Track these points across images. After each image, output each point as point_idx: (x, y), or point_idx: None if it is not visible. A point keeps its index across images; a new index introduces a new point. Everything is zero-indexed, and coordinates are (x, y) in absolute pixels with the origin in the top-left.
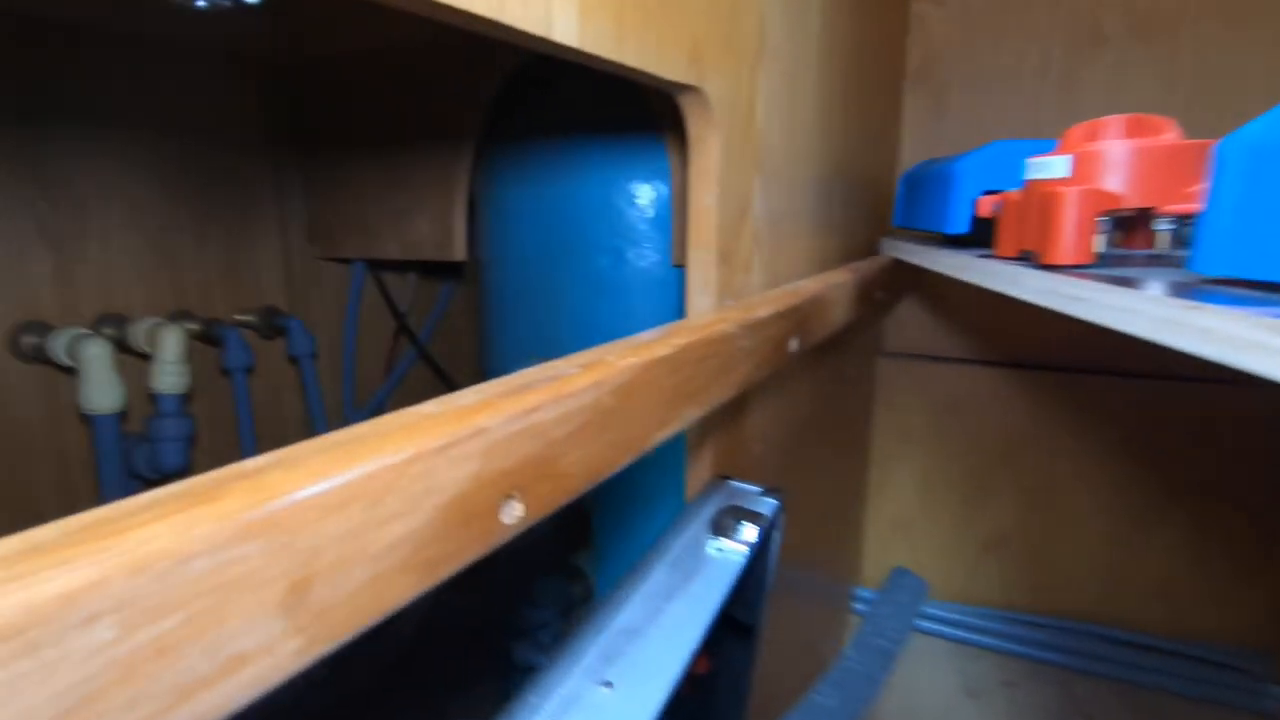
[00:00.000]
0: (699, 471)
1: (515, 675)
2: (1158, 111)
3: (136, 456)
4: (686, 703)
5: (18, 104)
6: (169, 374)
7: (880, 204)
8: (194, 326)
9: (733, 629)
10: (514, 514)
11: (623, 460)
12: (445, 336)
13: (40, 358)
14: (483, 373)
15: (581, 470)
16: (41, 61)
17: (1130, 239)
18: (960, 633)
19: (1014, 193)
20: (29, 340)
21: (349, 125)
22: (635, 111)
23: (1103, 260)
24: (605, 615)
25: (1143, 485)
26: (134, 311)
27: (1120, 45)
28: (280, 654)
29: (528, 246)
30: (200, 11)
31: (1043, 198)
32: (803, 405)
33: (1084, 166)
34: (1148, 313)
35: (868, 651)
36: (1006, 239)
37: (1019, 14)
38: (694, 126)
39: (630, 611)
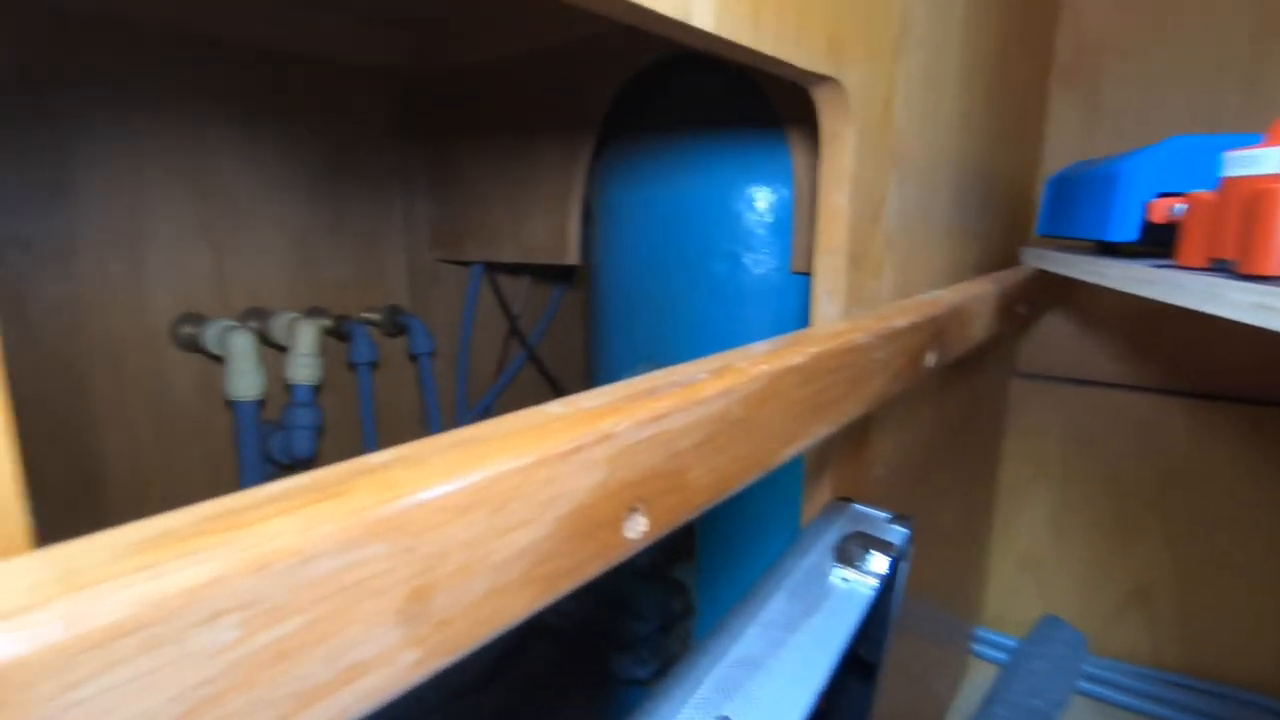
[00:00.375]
0: (818, 492)
1: (613, 686)
2: None
3: (272, 442)
4: None
5: (183, 114)
6: (304, 366)
7: (1021, 210)
8: (327, 322)
9: (853, 667)
10: (638, 528)
11: (749, 476)
12: (553, 339)
13: (195, 346)
14: (591, 376)
15: (708, 485)
16: (201, 76)
17: None
18: (1098, 689)
19: (1205, 193)
20: (186, 330)
21: (471, 135)
22: (754, 113)
23: None
24: (721, 644)
25: None
26: (276, 306)
27: None
28: (399, 665)
29: (642, 251)
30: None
31: (1250, 197)
32: (929, 426)
33: None
34: None
35: (1021, 712)
36: (1193, 246)
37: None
38: (828, 121)
39: (749, 642)
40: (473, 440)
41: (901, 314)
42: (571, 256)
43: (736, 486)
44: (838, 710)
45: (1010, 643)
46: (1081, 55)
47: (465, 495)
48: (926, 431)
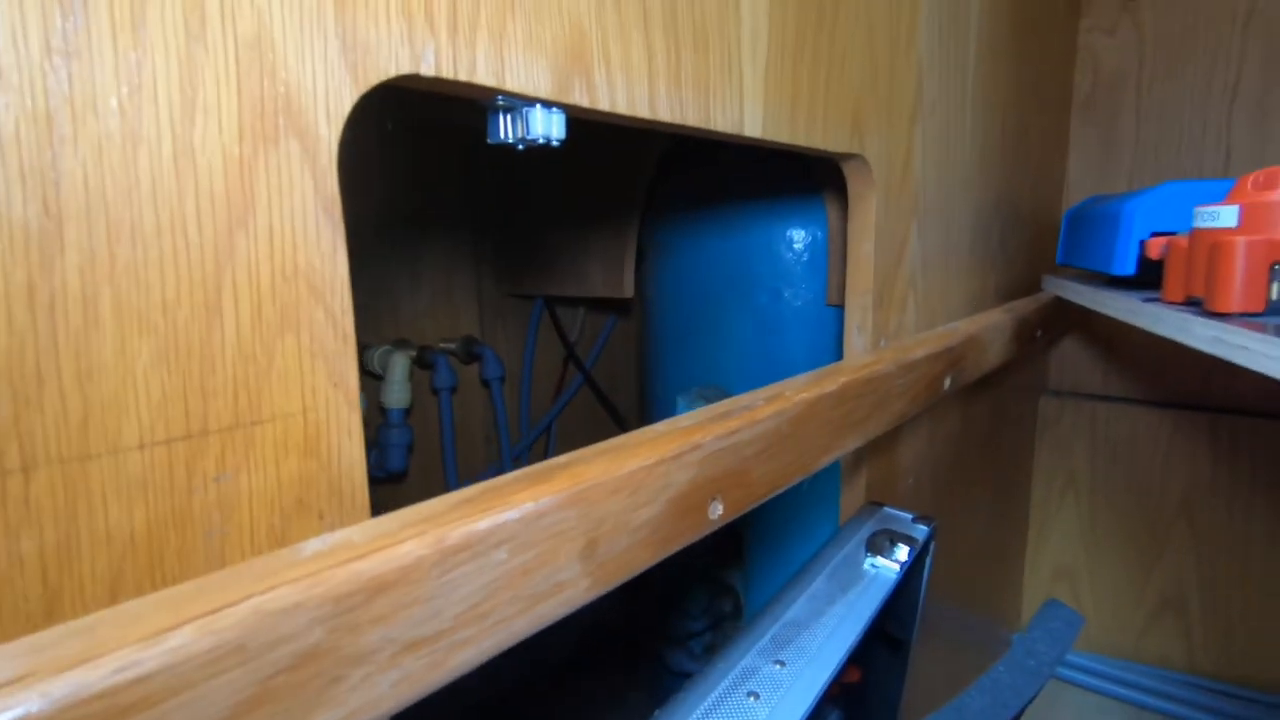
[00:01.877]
0: (853, 499)
1: (669, 679)
2: None
3: (369, 458)
4: (841, 708)
5: None
6: (397, 391)
7: (1045, 239)
8: (412, 353)
9: (885, 642)
10: (717, 511)
11: (796, 476)
12: (606, 364)
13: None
14: (645, 398)
15: (765, 481)
16: None
17: None
18: (1133, 694)
19: (1181, 237)
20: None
21: (534, 185)
22: (792, 166)
23: (1274, 309)
24: (775, 611)
25: None
26: (364, 339)
27: None
28: (579, 588)
29: (692, 286)
30: (514, 150)
31: (1211, 247)
32: (956, 442)
33: (1255, 216)
34: None
35: (1017, 670)
36: (1174, 284)
37: (1203, 33)
38: (854, 186)
39: (797, 610)
40: (620, 447)
41: (920, 345)
42: (627, 290)
43: (787, 484)
44: (876, 681)
45: None
46: (1098, 91)
47: (616, 482)
48: (954, 447)
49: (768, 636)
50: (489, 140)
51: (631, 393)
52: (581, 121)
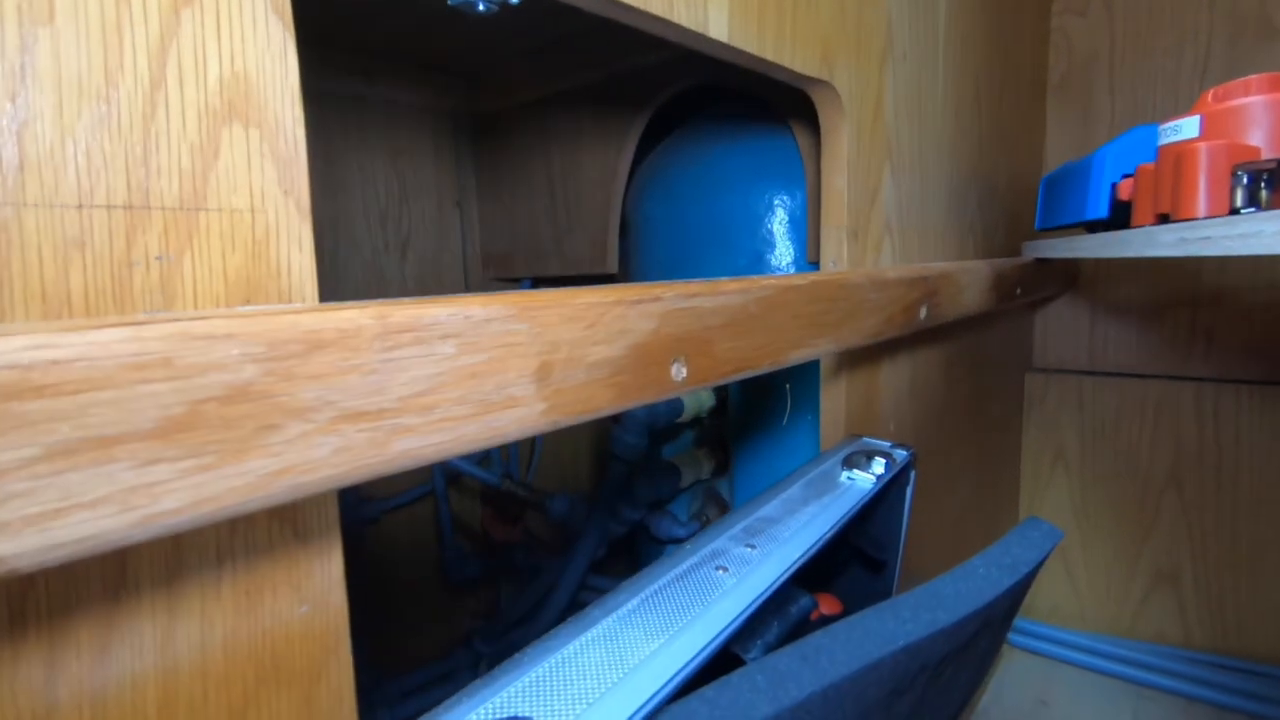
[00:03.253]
0: (832, 430)
1: (653, 546)
2: None
3: None
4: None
5: None
6: None
7: (1024, 211)
8: None
9: (866, 565)
10: (681, 374)
11: (765, 363)
12: None
13: None
14: None
15: (732, 359)
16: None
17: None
18: (1130, 670)
19: (1148, 164)
20: None
21: (518, 165)
22: (766, 127)
23: (1241, 214)
24: (750, 508)
25: None
26: None
27: None
28: (533, 409)
29: (673, 255)
30: (479, 15)
31: (1175, 158)
32: (939, 402)
33: (1215, 123)
34: (1265, 232)
35: (993, 564)
36: (1142, 208)
37: (1171, 12)
38: (825, 117)
39: (770, 508)
40: (581, 290)
41: (894, 271)
42: (611, 266)
43: (755, 368)
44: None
45: (1044, 629)
46: (1072, 70)
47: (570, 310)
48: (938, 413)
49: (740, 526)
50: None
51: None
52: (568, 95)
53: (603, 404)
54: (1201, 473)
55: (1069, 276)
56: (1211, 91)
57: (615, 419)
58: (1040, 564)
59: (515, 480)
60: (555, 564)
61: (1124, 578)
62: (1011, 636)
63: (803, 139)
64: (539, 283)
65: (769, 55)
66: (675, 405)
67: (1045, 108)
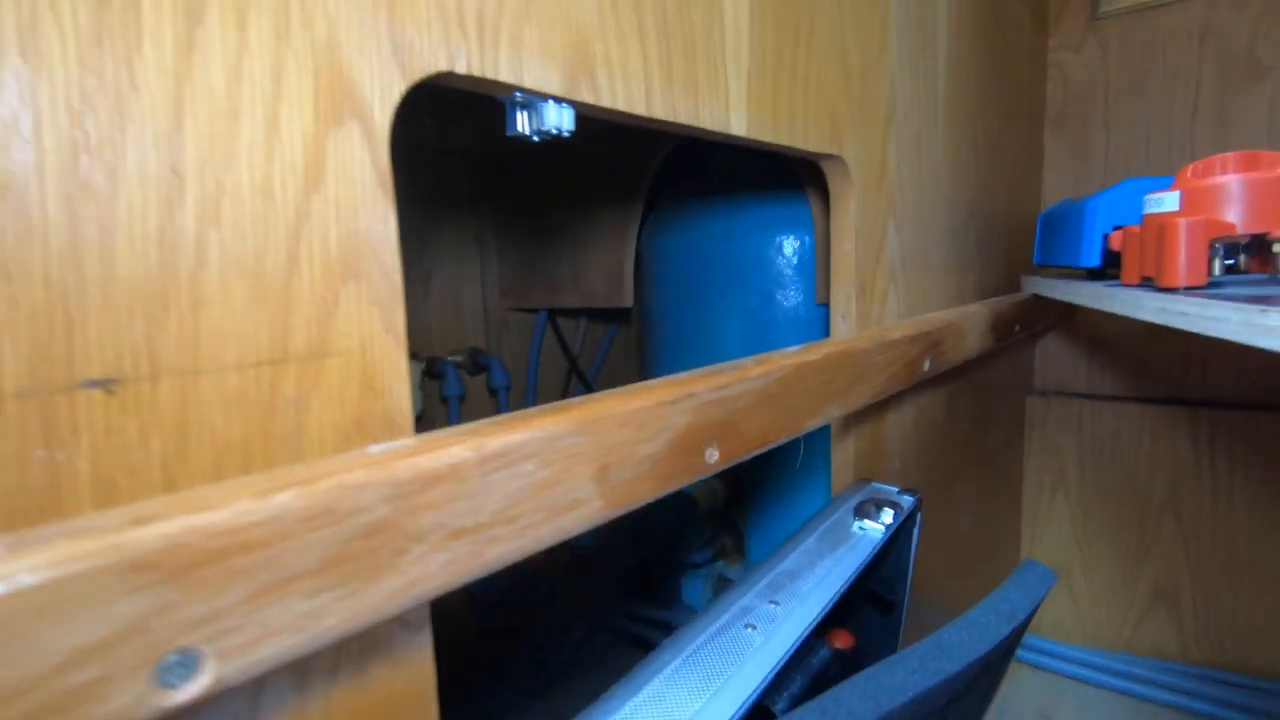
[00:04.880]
0: (843, 473)
1: (680, 608)
2: None
3: None
4: (835, 673)
5: None
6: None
7: (1023, 244)
8: (423, 364)
9: (876, 605)
10: (713, 457)
11: (784, 434)
12: (607, 371)
13: None
14: None
15: (756, 435)
16: None
17: (1254, 264)
18: (1130, 685)
19: (1134, 227)
20: None
21: (536, 202)
22: (779, 173)
23: (1218, 283)
24: (771, 563)
25: None
26: None
27: None
28: (592, 507)
29: (687, 291)
30: (532, 143)
31: (1158, 229)
32: (942, 438)
33: (1194, 199)
34: (1233, 322)
35: (991, 613)
36: (1130, 268)
37: (1163, 52)
38: (835, 186)
39: (790, 562)
40: (624, 391)
41: (899, 329)
42: (626, 300)
43: (776, 440)
44: (870, 646)
45: (1047, 645)
46: (1069, 104)
47: (622, 416)
48: (940, 443)
49: (764, 582)
50: (508, 133)
51: None
52: (586, 129)
53: (647, 492)
54: (1198, 495)
55: (1066, 309)
56: (1191, 167)
57: None
58: (1036, 608)
59: None
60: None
61: (1124, 595)
62: (1019, 653)
63: (811, 192)
64: (555, 313)
65: (784, 141)
66: None
67: (1044, 136)
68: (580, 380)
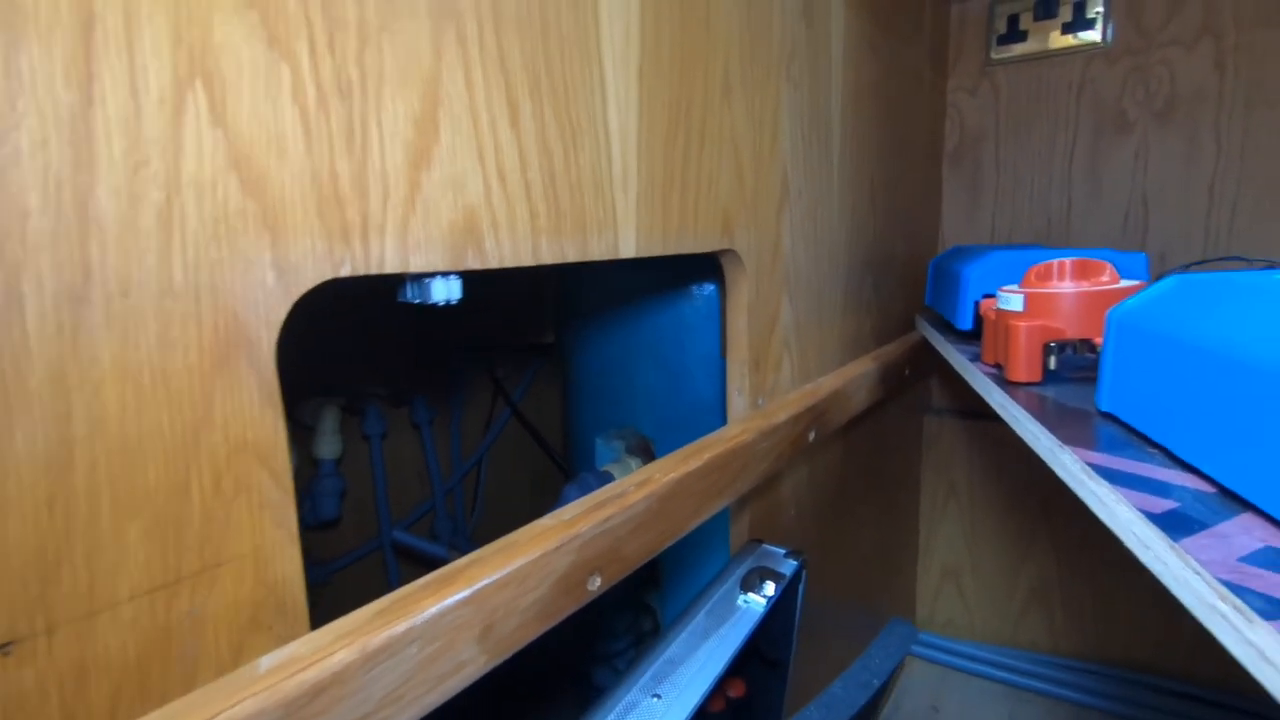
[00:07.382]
0: (740, 534)
1: (594, 693)
2: (1182, 187)
3: (302, 508)
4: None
5: None
6: (327, 443)
7: (921, 277)
8: (341, 402)
9: (764, 663)
10: (595, 584)
11: (667, 543)
12: (533, 401)
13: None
14: (568, 438)
15: (639, 553)
16: None
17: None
18: (1009, 675)
19: (991, 312)
20: None
21: None
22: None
23: (1052, 378)
24: (658, 648)
25: None
26: (297, 390)
27: (1144, 130)
28: (477, 664)
29: (606, 340)
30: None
31: (1005, 328)
32: (836, 473)
33: (1035, 304)
34: (1042, 443)
35: (851, 685)
36: (988, 349)
37: (1047, 103)
38: (730, 274)
39: (675, 647)
40: (511, 545)
41: (784, 409)
42: (549, 337)
43: (659, 550)
44: (758, 696)
45: (939, 641)
46: (964, 143)
47: (506, 578)
48: (836, 475)
49: (648, 674)
50: (398, 299)
51: (559, 430)
52: None
53: (531, 635)
54: (1064, 505)
55: None
56: (1035, 270)
57: None
58: (899, 664)
59: (461, 550)
60: None
61: (1006, 595)
62: (911, 647)
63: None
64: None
65: (673, 250)
66: None
67: (941, 173)
68: (505, 401)
